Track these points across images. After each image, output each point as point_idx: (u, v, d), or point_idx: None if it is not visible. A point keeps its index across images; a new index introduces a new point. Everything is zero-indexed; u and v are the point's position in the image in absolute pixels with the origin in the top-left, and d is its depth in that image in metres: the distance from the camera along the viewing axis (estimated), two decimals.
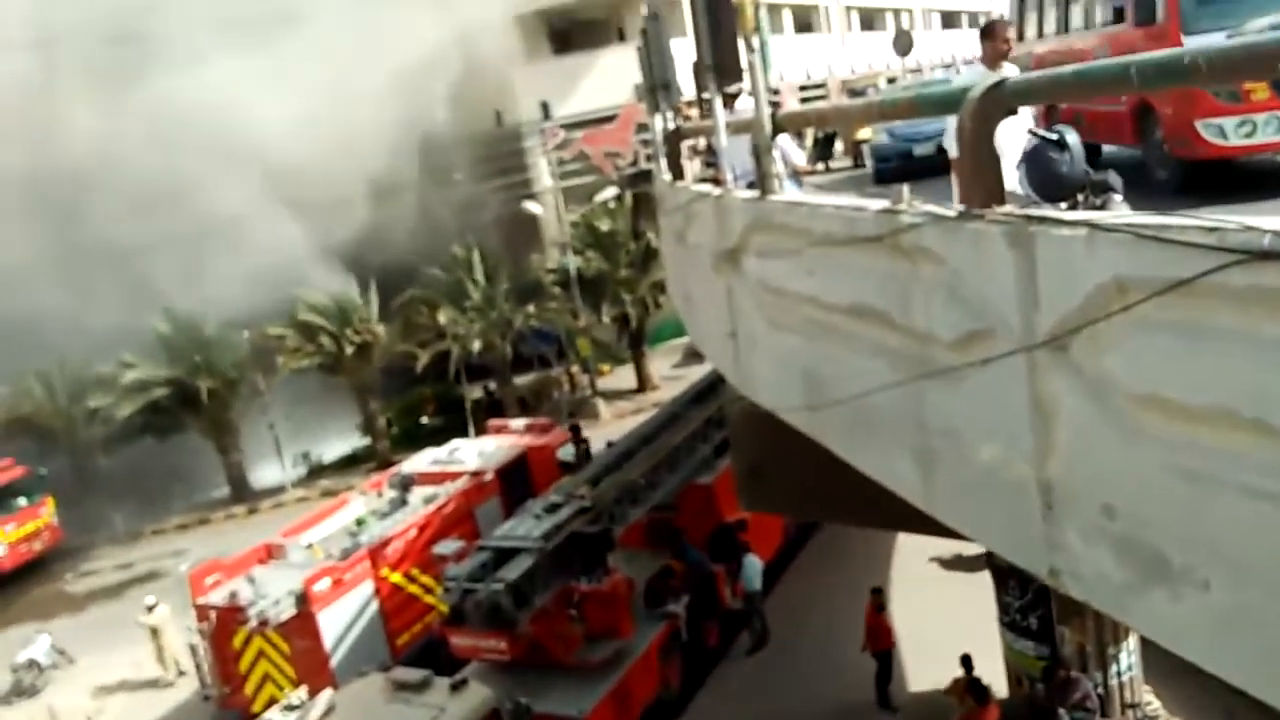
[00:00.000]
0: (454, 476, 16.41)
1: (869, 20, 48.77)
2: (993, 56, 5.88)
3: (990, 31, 5.96)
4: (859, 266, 4.47)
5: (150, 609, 16.67)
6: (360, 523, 15.39)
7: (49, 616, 20.19)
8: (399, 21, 25.83)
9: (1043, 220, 3.07)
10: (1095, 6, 8.98)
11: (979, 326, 3.44)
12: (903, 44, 26.68)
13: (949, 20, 60.41)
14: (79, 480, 24.79)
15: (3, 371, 24.59)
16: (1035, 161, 3.92)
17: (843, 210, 4.77)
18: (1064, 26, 9.80)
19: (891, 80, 26.29)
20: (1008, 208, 3.37)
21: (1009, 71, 5.03)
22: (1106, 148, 8.77)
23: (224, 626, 13.58)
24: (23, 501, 23.39)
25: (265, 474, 26.30)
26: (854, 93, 22.97)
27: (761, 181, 5.99)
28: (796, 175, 7.59)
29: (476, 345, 25.62)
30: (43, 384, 24.94)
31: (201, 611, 13.80)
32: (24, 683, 17.18)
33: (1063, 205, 3.82)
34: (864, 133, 16.37)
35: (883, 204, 4.28)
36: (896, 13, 52.15)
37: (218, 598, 13.75)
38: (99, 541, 24.37)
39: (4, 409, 25.00)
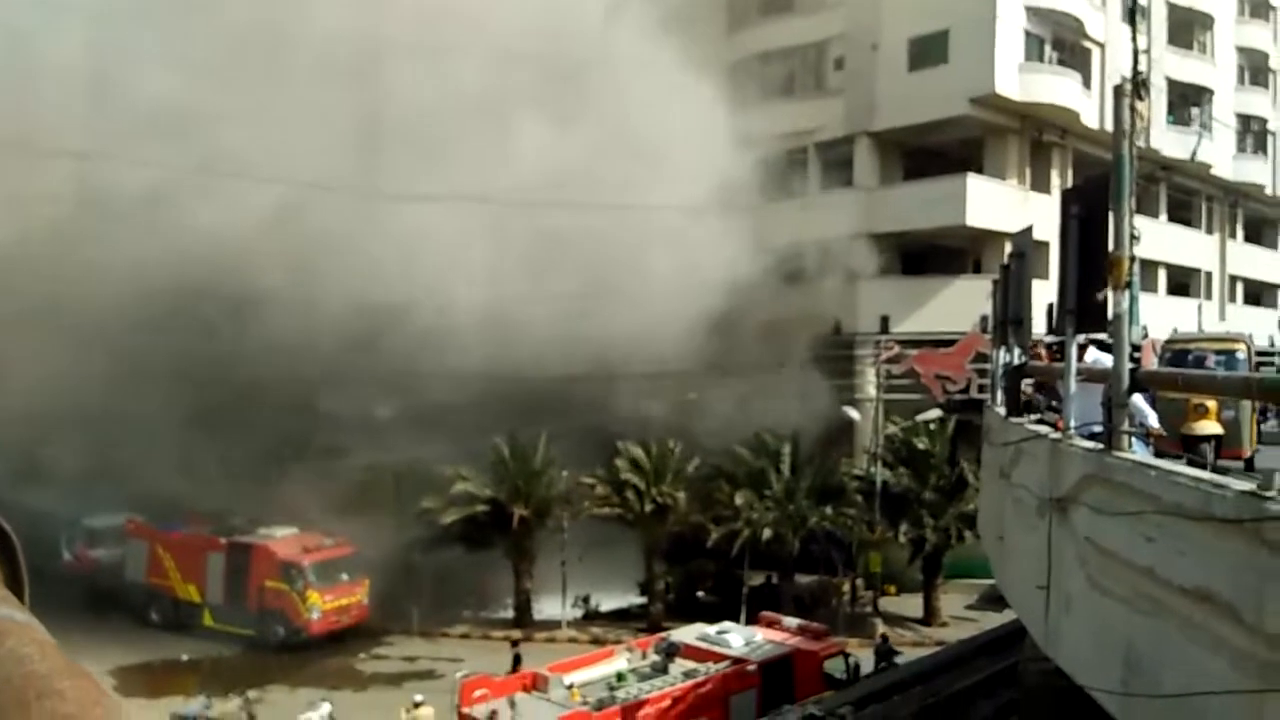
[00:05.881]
0: (718, 658, 16.40)
1: (1255, 294, 44.90)
2: None
3: None
4: (1208, 547, 4.17)
5: (416, 705, 17.84)
6: (620, 678, 15.75)
7: (335, 687, 21.90)
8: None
9: None
10: None
11: None
12: None
13: None
14: (394, 570, 27.38)
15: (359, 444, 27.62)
16: None
17: (1200, 483, 4.48)
18: None
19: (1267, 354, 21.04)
20: None
21: None
22: None
23: None
24: (344, 577, 26.18)
25: (546, 606, 27.62)
26: (1183, 355, 13.50)
27: (1109, 435, 5.78)
28: (1149, 437, 7.15)
29: (767, 533, 25.69)
30: (394, 481, 28.26)
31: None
32: None
33: None
34: (1210, 426, 9.05)
35: (1247, 485, 4.01)
36: None
37: (480, 712, 14.52)
38: (395, 630, 26.61)
39: (359, 492, 28.39)
